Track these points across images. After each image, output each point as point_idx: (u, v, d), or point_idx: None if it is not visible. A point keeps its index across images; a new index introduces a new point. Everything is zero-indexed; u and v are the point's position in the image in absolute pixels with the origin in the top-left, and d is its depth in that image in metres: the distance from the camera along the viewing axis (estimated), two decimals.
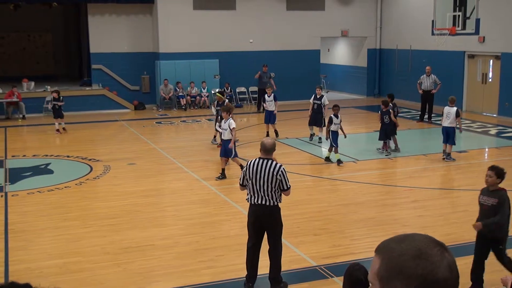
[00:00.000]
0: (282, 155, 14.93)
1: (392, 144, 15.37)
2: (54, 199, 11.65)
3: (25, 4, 25.21)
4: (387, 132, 15.10)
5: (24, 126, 21.30)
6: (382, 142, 15.34)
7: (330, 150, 14.39)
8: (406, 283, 1.73)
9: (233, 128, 12.61)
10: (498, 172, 6.99)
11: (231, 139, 12.67)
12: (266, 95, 17.52)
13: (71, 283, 7.61)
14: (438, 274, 1.72)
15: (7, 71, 30.37)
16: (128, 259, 8.42)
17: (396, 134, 15.29)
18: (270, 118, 17.44)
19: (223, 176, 12.87)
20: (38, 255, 8.65)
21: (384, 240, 1.86)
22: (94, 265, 8.22)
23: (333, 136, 14.13)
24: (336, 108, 14.41)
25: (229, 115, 12.77)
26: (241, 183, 7.34)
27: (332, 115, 14.26)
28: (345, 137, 14.46)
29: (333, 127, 14.11)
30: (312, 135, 17.24)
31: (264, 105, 17.66)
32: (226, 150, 12.75)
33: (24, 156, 15.72)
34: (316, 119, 16.86)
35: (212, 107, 17.04)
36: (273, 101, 17.26)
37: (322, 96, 16.92)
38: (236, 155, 12.93)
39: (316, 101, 16.76)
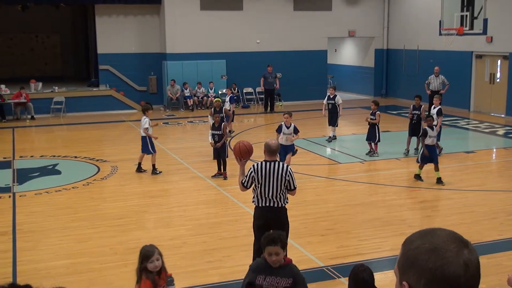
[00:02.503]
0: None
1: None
2: (62, 199, 11.69)
3: (33, 5, 25.31)
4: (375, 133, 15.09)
5: (32, 126, 21.38)
6: (373, 144, 15.21)
7: (421, 167, 12.52)
8: (417, 276, 1.77)
9: (146, 128, 13.39)
10: (284, 245, 5.15)
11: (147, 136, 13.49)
12: (284, 125, 12.77)
13: (79, 284, 7.63)
14: (448, 270, 1.72)
15: (15, 72, 30.50)
16: (136, 259, 8.41)
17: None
18: (289, 149, 12.88)
19: (139, 169, 13.72)
20: (46, 256, 8.67)
21: (412, 233, 1.91)
22: (102, 265, 8.24)
23: (429, 150, 12.36)
24: (430, 119, 12.71)
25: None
26: (246, 185, 7.26)
27: (426, 127, 12.56)
28: (439, 153, 12.67)
29: (427, 141, 12.37)
30: (331, 137, 17.31)
31: (280, 137, 12.64)
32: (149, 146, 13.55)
33: (32, 156, 15.78)
34: (332, 119, 17.14)
35: (209, 117, 15.36)
36: (293, 134, 12.80)
37: (335, 95, 17.14)
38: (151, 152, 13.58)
39: (330, 101, 17.07)
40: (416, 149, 15.00)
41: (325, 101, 17.29)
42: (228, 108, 17.50)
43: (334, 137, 17.28)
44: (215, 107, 14.99)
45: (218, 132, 13.23)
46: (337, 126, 17.26)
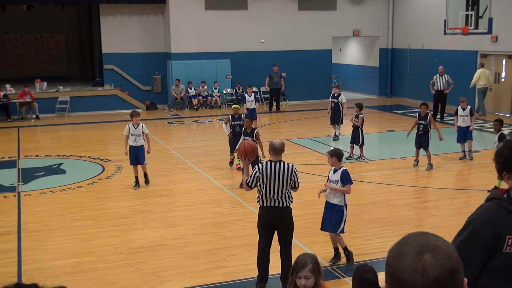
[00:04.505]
0: (294, 155, 14.91)
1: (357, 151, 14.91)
2: (67, 199, 11.72)
3: (38, 5, 25.38)
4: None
5: (37, 126, 21.43)
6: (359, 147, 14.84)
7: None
8: (386, 280, 1.80)
9: (147, 133, 12.70)
10: None
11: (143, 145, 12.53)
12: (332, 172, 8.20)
13: (84, 283, 7.65)
14: (403, 275, 1.71)
15: (20, 71, 30.59)
16: (140, 258, 8.45)
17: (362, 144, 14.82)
18: (334, 213, 8.19)
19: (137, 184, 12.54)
20: (50, 255, 8.69)
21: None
22: (107, 264, 8.25)
23: None
24: (497, 123, 11.82)
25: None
26: (250, 185, 7.24)
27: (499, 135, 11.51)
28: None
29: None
30: (336, 134, 17.59)
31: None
32: (139, 157, 12.47)
33: (36, 156, 15.82)
34: (335, 117, 17.41)
35: (224, 126, 13.96)
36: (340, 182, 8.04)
37: (339, 94, 17.35)
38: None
39: (334, 100, 17.36)
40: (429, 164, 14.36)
41: (330, 99, 17.66)
42: (253, 107, 17.87)
43: (337, 137, 17.37)
44: (234, 114, 13.66)
45: (250, 138, 11.96)
46: (341, 123, 17.36)
